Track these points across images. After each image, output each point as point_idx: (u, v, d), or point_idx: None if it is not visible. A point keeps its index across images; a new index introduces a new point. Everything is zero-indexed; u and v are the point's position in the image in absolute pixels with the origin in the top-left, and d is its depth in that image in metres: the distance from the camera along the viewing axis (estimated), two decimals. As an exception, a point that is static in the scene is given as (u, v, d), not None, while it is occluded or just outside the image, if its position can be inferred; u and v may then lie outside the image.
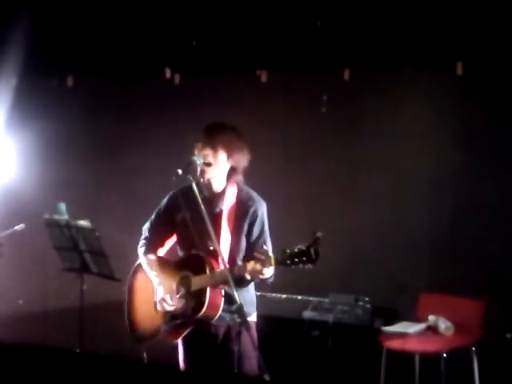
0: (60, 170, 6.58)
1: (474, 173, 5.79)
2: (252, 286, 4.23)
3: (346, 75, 5.99)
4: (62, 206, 5.38)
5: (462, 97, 5.84)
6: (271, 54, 6.08)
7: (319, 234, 3.72)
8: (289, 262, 3.78)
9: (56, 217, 5.37)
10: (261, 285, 4.28)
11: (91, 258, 5.31)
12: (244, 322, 3.95)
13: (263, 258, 3.85)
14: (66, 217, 5.34)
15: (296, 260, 3.75)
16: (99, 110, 6.69)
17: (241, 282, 4.04)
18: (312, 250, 3.72)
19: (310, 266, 3.75)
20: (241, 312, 3.90)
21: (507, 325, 5.59)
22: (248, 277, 3.93)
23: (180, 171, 4.00)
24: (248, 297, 4.18)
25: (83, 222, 5.25)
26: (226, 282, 3.92)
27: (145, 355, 4.59)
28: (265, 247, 3.93)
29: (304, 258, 3.74)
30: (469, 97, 5.82)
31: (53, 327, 6.39)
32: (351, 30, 5.82)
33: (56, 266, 5.53)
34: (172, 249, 4.36)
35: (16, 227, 5.66)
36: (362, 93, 6.07)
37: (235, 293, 3.89)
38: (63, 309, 6.25)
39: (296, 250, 3.76)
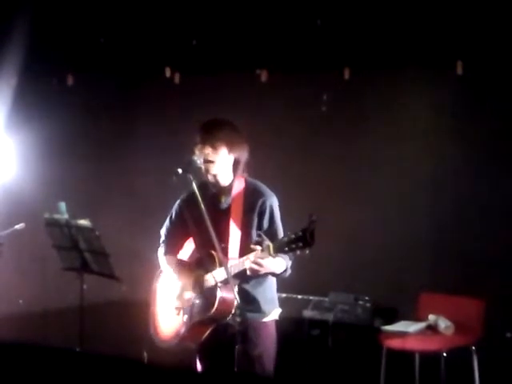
0: (60, 169, 6.58)
1: (474, 173, 5.79)
2: (273, 283, 4.19)
3: (346, 75, 5.99)
4: (62, 205, 5.37)
5: (461, 97, 5.85)
6: (271, 54, 6.08)
7: (314, 217, 3.70)
8: (286, 248, 3.75)
9: (56, 216, 5.36)
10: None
11: (91, 258, 5.30)
12: (244, 322, 3.96)
13: (262, 247, 3.84)
14: (66, 216, 5.33)
15: (293, 246, 3.73)
16: (99, 109, 6.69)
17: (255, 276, 4.03)
18: (307, 234, 3.70)
19: (307, 251, 3.73)
20: (242, 310, 3.90)
21: (507, 324, 5.59)
22: (249, 269, 3.93)
23: (180, 171, 4.00)
24: (267, 294, 4.15)
25: (83, 222, 5.24)
26: (229, 279, 3.92)
27: (145, 355, 4.60)
28: (264, 236, 3.90)
29: (300, 244, 3.71)
30: (469, 97, 5.82)
31: (53, 326, 6.38)
32: (351, 29, 5.82)
33: (56, 265, 5.52)
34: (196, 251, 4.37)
35: (16, 226, 5.65)
36: (362, 92, 6.07)
37: (235, 291, 3.90)
38: (63, 308, 6.25)
39: (293, 236, 3.74)
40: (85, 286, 5.36)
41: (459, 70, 5.72)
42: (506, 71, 5.64)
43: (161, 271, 4.37)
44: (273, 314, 4.19)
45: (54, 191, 6.19)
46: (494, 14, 5.47)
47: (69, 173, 6.58)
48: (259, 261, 3.86)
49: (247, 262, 3.90)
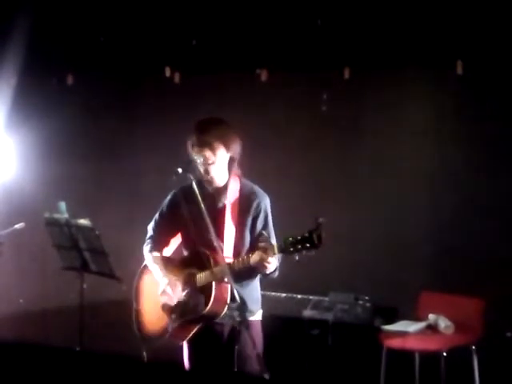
0: (60, 169, 6.58)
1: (474, 173, 5.79)
2: (258, 283, 4.21)
3: (346, 74, 5.99)
4: (62, 205, 5.37)
5: (461, 96, 5.85)
6: (271, 53, 6.08)
7: (321, 220, 3.71)
8: (292, 249, 3.77)
9: (56, 215, 5.36)
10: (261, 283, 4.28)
11: (91, 257, 5.30)
12: (243, 321, 3.96)
13: (266, 246, 3.85)
14: (66, 215, 5.33)
15: (299, 247, 3.74)
16: (99, 109, 6.69)
17: (246, 277, 4.06)
18: (314, 236, 3.70)
19: (313, 252, 3.73)
20: (241, 310, 3.91)
21: (507, 323, 5.59)
22: (253, 267, 3.93)
23: (180, 170, 4.01)
24: (254, 294, 4.18)
25: (83, 221, 5.24)
26: (227, 277, 3.93)
27: (144, 354, 4.60)
28: (267, 235, 3.92)
29: (307, 245, 3.72)
30: (469, 96, 5.82)
31: (53, 326, 6.39)
32: (351, 29, 5.82)
33: (56, 264, 5.52)
34: (178, 249, 4.36)
35: (16, 226, 5.66)
36: (362, 92, 6.07)
37: (235, 290, 3.91)
38: (63, 307, 6.25)
39: (299, 237, 3.75)
40: (85, 286, 5.36)
41: (459, 70, 5.72)
42: (506, 71, 5.63)
43: (144, 268, 4.36)
44: (258, 314, 4.22)
45: (54, 191, 6.19)
46: (494, 13, 5.47)
47: (69, 172, 6.58)
48: (268, 259, 3.87)
49: (253, 260, 3.90)
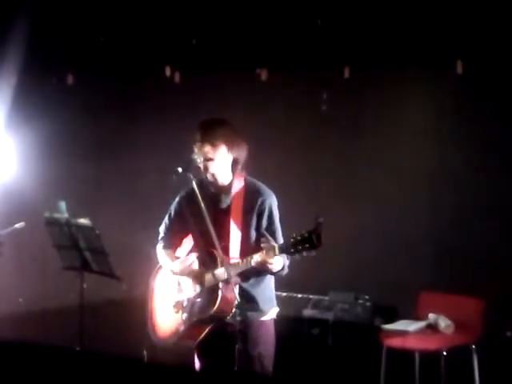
0: (60, 168, 6.59)
1: (474, 173, 5.79)
2: (271, 281, 4.21)
3: (346, 74, 5.99)
4: (63, 205, 5.38)
5: (461, 96, 5.85)
6: (271, 53, 6.08)
7: (321, 220, 3.72)
8: (292, 250, 3.79)
9: (56, 215, 5.36)
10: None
11: (91, 257, 5.31)
12: (244, 320, 3.97)
13: (267, 248, 3.86)
14: (66, 215, 5.34)
15: (299, 247, 3.76)
16: (99, 109, 6.69)
17: (254, 276, 4.06)
18: (314, 236, 3.72)
19: (313, 252, 3.75)
20: (242, 309, 3.92)
21: (507, 323, 5.59)
22: (255, 267, 3.93)
23: (180, 169, 4.02)
24: (266, 293, 4.17)
25: (83, 221, 5.25)
26: (231, 278, 3.93)
27: (145, 354, 4.60)
28: (269, 236, 3.92)
29: (307, 245, 3.74)
30: (469, 96, 5.82)
31: (53, 326, 6.39)
32: (351, 28, 5.82)
33: (56, 264, 5.53)
34: (193, 250, 4.36)
35: (16, 225, 5.66)
36: (362, 91, 6.07)
37: (235, 290, 3.91)
38: (63, 307, 6.25)
39: (299, 238, 3.77)
40: (85, 285, 5.37)
41: (459, 70, 5.72)
42: (506, 71, 5.63)
43: (158, 268, 4.37)
44: (271, 312, 4.20)
45: (54, 190, 6.19)
46: (494, 13, 5.47)
47: (69, 172, 6.59)
48: (270, 260, 3.88)
49: (255, 262, 3.91)
